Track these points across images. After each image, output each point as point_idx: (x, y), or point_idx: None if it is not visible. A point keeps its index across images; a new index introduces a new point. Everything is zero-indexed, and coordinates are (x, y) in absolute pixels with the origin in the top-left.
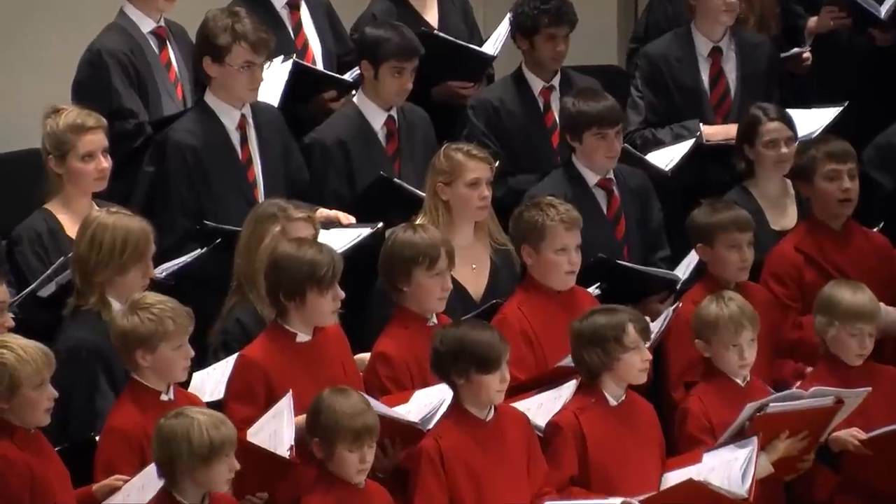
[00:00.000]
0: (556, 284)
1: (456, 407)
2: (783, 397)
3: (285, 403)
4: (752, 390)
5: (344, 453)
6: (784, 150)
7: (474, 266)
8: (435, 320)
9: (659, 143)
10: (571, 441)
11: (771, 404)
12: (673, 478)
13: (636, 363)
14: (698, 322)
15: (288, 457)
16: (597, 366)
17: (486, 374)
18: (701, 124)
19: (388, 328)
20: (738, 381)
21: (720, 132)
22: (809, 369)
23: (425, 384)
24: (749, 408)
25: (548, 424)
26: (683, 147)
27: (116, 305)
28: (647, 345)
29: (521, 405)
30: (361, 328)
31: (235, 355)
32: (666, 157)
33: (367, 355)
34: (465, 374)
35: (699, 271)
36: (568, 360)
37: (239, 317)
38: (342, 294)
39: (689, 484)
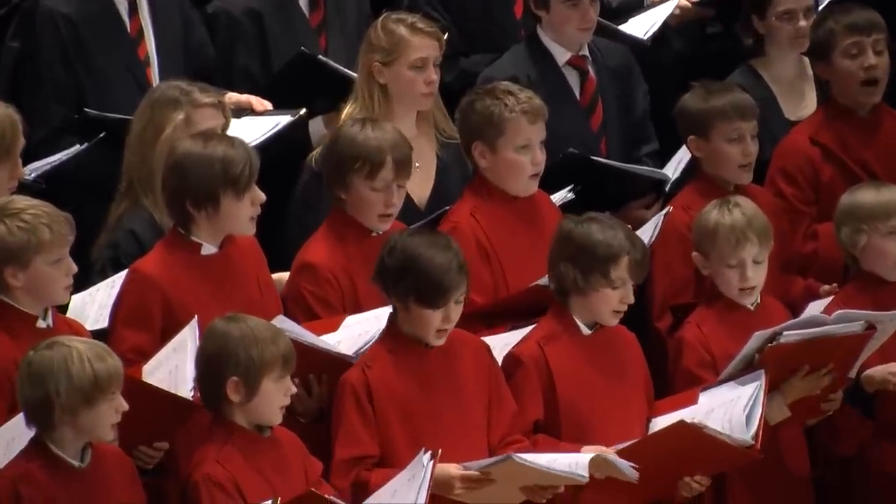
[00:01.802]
0: (515, 189)
1: (392, 330)
2: (800, 323)
3: (189, 333)
4: (764, 315)
5: (270, 387)
6: (802, 23)
7: (417, 165)
8: (381, 231)
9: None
10: (534, 377)
11: (785, 332)
12: (662, 423)
13: (612, 303)
14: (697, 231)
15: (191, 397)
16: (568, 285)
17: (427, 309)
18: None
19: (319, 234)
20: (746, 304)
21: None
22: (825, 288)
23: (358, 310)
24: (757, 337)
25: (506, 357)
26: (665, 9)
27: None
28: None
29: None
30: (277, 242)
31: (125, 272)
32: (644, 24)
33: (286, 275)
34: (404, 301)
35: (691, 170)
36: (543, 280)
37: (132, 227)
38: (262, 196)
39: (680, 428)
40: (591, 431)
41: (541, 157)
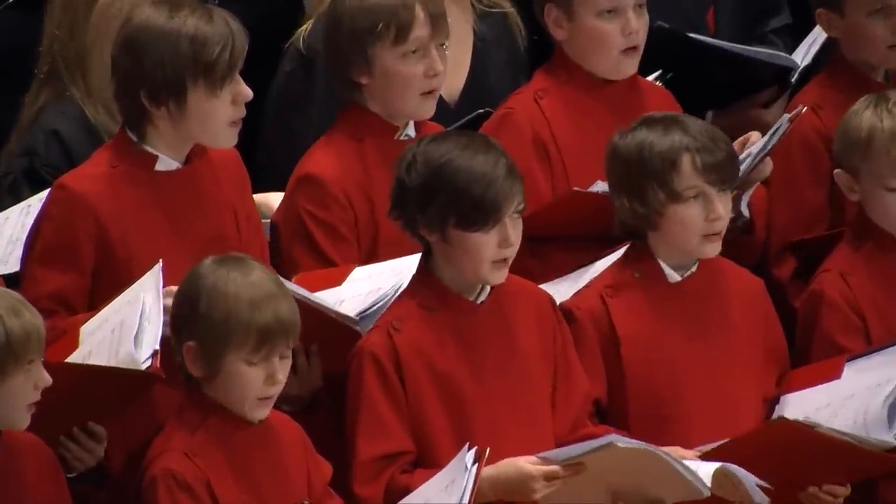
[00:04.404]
0: (602, 69)
1: (426, 279)
2: None
3: (151, 283)
4: None
5: (238, 368)
6: None
7: (446, 46)
8: (412, 132)
9: None
10: (592, 341)
11: None
12: (794, 403)
13: (694, 225)
14: (841, 139)
15: (147, 368)
16: (630, 219)
17: (476, 232)
18: None
19: (327, 139)
20: None
21: None
22: None
23: (376, 243)
24: None
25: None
26: None
27: None
28: (726, 193)
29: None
30: (249, 155)
31: (48, 191)
32: None
33: (273, 196)
34: (440, 229)
35: (826, 55)
36: (603, 186)
37: (55, 126)
38: (248, 93)
39: (782, 427)
40: (671, 419)
41: (636, 23)
